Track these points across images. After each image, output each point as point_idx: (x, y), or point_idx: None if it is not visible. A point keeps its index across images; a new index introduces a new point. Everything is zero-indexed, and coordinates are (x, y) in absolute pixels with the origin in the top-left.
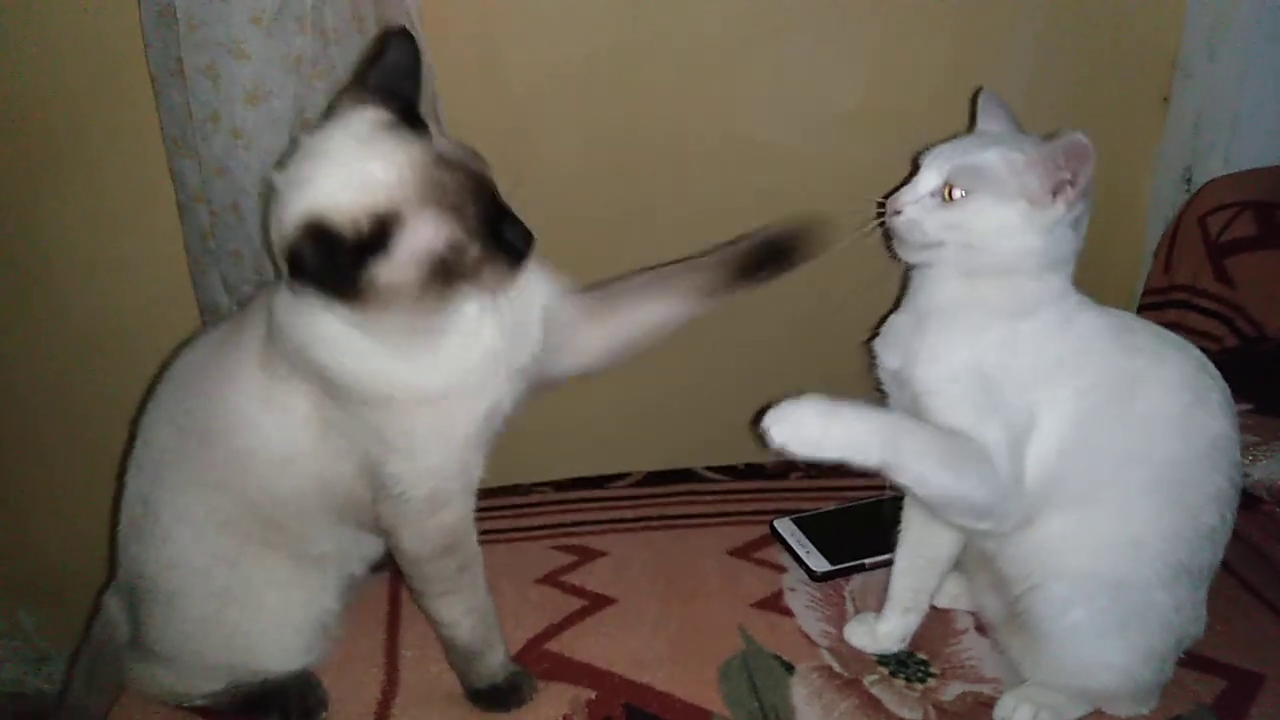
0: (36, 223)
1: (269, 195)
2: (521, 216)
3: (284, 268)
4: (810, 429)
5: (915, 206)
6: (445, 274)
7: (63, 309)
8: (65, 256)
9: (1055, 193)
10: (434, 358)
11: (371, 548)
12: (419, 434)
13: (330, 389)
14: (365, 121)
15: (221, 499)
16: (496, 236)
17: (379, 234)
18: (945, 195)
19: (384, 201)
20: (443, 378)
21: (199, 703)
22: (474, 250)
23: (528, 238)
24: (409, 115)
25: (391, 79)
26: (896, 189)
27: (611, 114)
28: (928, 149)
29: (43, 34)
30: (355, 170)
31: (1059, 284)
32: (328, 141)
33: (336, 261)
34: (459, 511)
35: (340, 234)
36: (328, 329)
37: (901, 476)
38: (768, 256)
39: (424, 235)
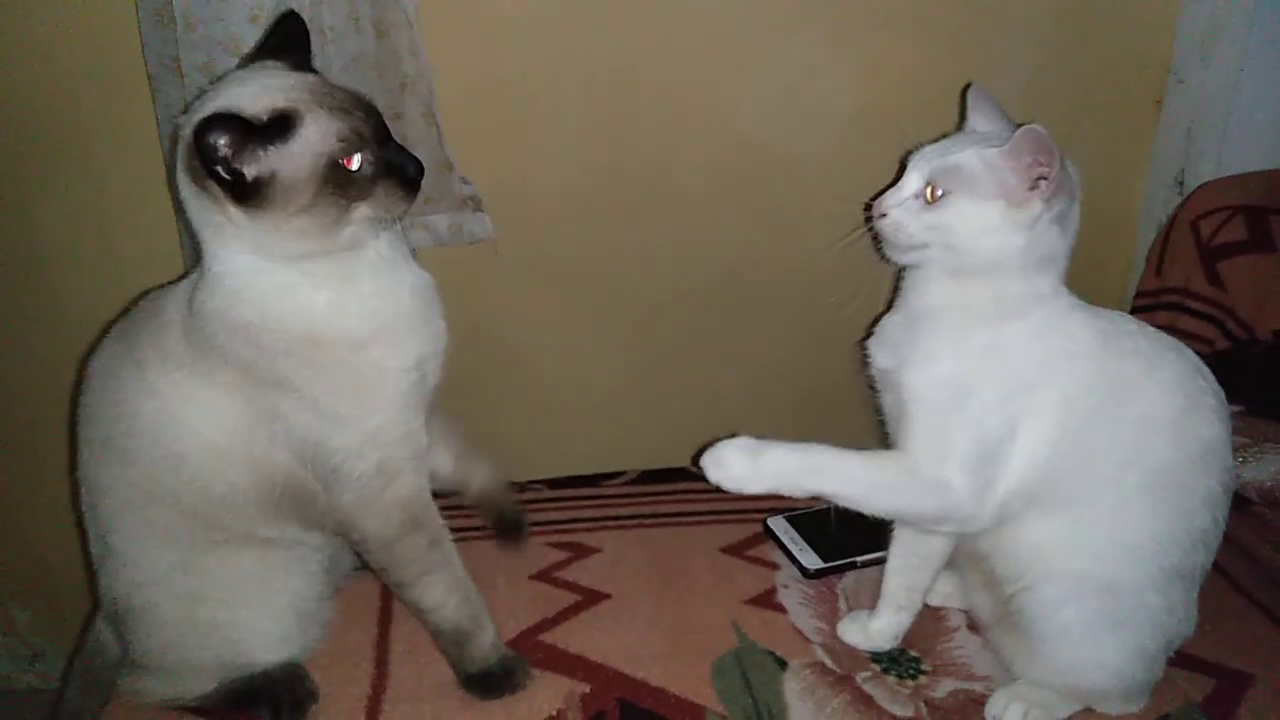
0: (32, 220)
1: (175, 138)
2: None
3: (188, 167)
4: (737, 468)
5: (899, 209)
6: (339, 181)
7: (58, 306)
8: (61, 253)
9: (1033, 189)
10: (354, 296)
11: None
12: (352, 386)
13: (259, 358)
14: (263, 67)
15: (155, 512)
16: (387, 160)
17: (279, 124)
18: (928, 196)
19: (282, 102)
20: (365, 316)
21: (192, 704)
22: (366, 159)
23: (414, 161)
24: (302, 67)
25: (283, 44)
26: (882, 192)
27: (608, 115)
28: (914, 151)
29: (39, 31)
30: (257, 84)
31: (1047, 285)
32: (235, 76)
33: (242, 144)
34: (413, 484)
35: (245, 118)
36: (243, 274)
37: (838, 501)
38: (496, 512)
39: (320, 130)
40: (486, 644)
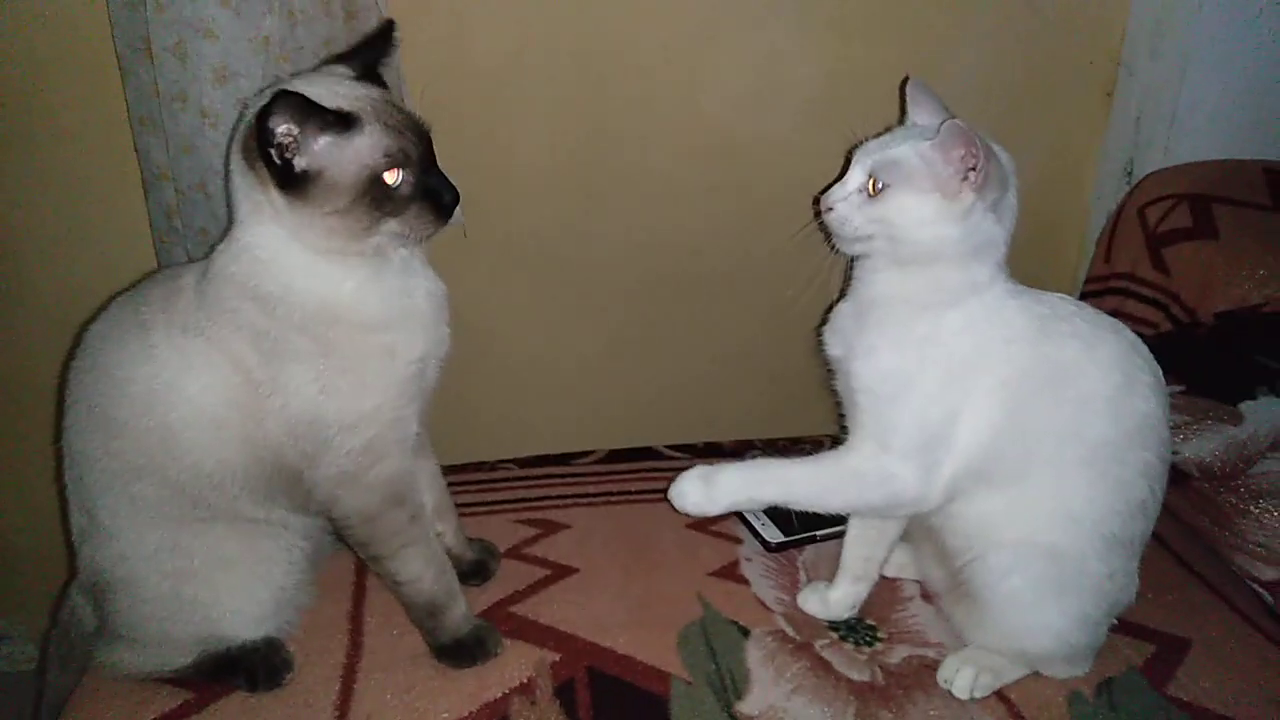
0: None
1: (241, 113)
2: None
3: (244, 146)
4: (694, 496)
5: (844, 203)
6: (376, 195)
7: (25, 287)
8: (29, 235)
9: (965, 180)
10: (375, 289)
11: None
12: (359, 366)
13: (271, 327)
14: (337, 71)
15: (141, 487)
16: (426, 184)
17: (338, 126)
18: (870, 190)
19: (347, 105)
20: (382, 306)
21: (169, 675)
22: (406, 179)
23: (452, 190)
24: (372, 76)
25: (361, 51)
26: (829, 186)
27: (578, 101)
28: (858, 145)
29: (8, 11)
30: (323, 86)
31: (984, 273)
32: (305, 76)
33: (299, 135)
34: (398, 464)
35: (314, 104)
36: (274, 248)
37: (795, 506)
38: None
39: (371, 142)
40: (459, 615)
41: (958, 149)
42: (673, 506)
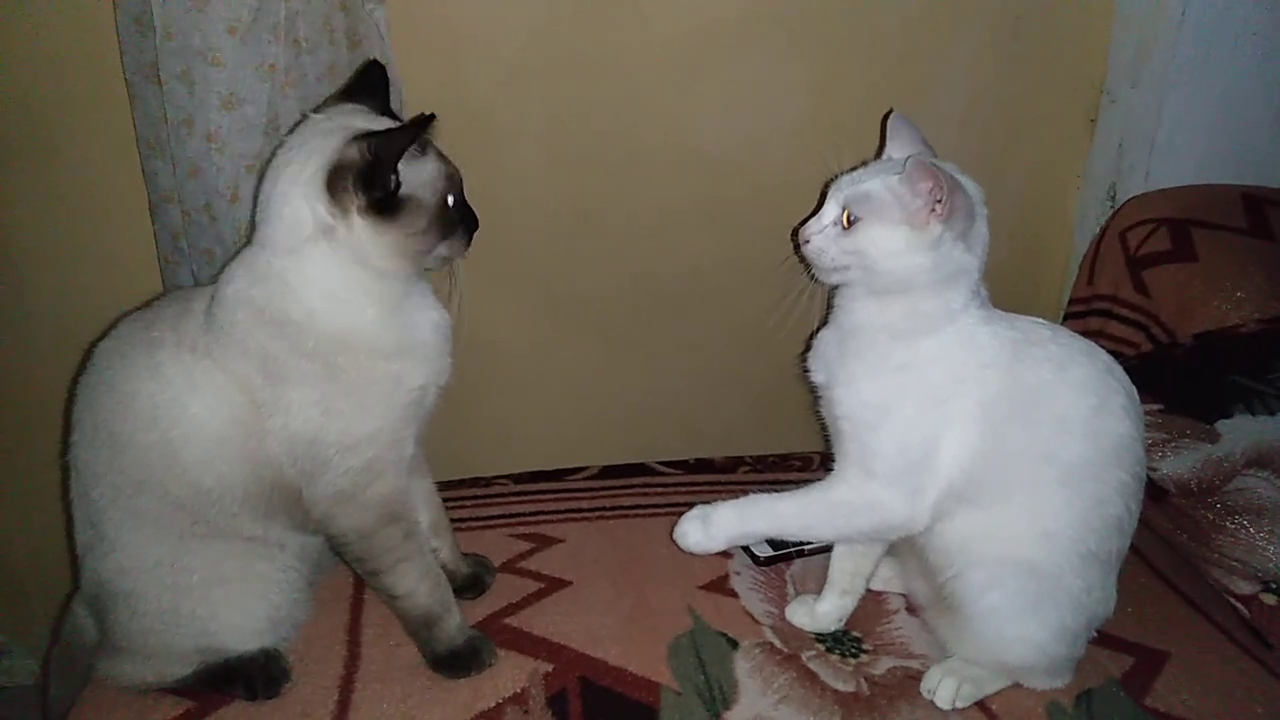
0: (3, 221)
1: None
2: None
3: (339, 170)
4: (694, 535)
5: (820, 236)
6: (443, 217)
7: (32, 306)
8: (37, 254)
9: (932, 212)
10: (394, 318)
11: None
12: (364, 390)
13: (279, 351)
14: (362, 111)
15: (144, 502)
16: (463, 209)
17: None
18: (844, 222)
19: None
20: (395, 336)
21: (169, 686)
22: (457, 204)
23: (475, 217)
24: (391, 116)
25: (365, 90)
26: (806, 219)
27: (572, 124)
28: (833, 180)
29: (20, 38)
30: (384, 123)
31: (958, 300)
32: (346, 114)
33: (405, 162)
34: (393, 483)
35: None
36: (311, 272)
37: (789, 537)
38: (467, 574)
39: (438, 169)
40: (453, 627)
41: (924, 182)
42: (678, 546)
